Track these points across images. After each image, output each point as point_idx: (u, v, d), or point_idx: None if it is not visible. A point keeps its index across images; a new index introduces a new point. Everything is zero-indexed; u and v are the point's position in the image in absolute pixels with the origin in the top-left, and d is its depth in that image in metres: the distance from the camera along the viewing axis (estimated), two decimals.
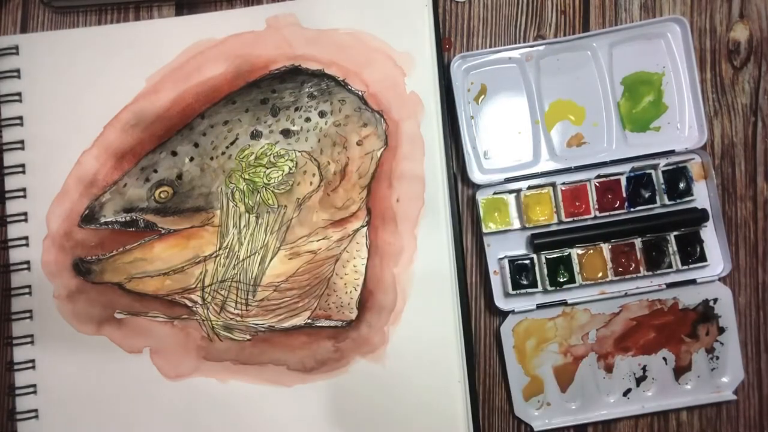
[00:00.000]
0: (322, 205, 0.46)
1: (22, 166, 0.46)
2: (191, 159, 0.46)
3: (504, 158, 0.47)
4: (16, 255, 0.45)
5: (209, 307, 0.45)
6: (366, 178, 0.46)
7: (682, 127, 0.47)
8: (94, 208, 0.45)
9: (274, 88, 0.46)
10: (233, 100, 0.46)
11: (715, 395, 0.46)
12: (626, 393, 0.46)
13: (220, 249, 0.45)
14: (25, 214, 0.45)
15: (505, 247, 0.47)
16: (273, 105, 0.46)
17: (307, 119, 0.46)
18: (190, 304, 0.45)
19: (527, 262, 0.45)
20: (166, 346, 0.45)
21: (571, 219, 0.45)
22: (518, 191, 0.46)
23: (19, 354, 0.45)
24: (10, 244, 0.45)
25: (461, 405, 0.44)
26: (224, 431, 0.45)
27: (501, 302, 0.46)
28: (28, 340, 0.45)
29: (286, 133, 0.46)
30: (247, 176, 0.46)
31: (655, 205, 0.46)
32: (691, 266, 0.45)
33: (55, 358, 0.45)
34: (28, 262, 0.45)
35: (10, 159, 0.46)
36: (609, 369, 0.46)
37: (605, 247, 0.46)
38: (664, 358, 0.47)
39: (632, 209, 0.46)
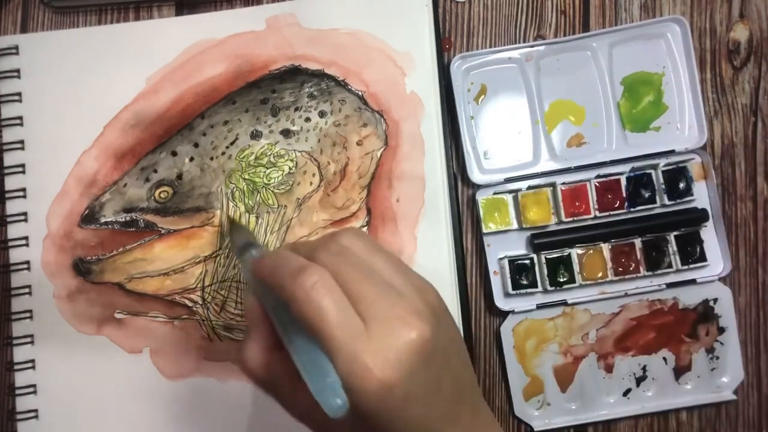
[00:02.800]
0: (322, 205, 0.46)
1: (22, 166, 0.46)
2: (191, 159, 0.46)
3: (504, 158, 0.47)
4: (16, 255, 0.45)
5: (209, 307, 0.45)
6: (366, 178, 0.46)
7: (682, 127, 0.47)
8: (94, 208, 0.45)
9: (274, 88, 0.46)
10: (233, 100, 0.46)
11: (715, 395, 0.46)
12: (626, 393, 0.46)
13: (220, 249, 0.45)
14: (25, 214, 0.45)
15: (505, 247, 0.47)
16: (273, 105, 0.46)
17: (307, 119, 0.46)
18: (190, 304, 0.45)
19: (527, 262, 0.45)
20: (166, 346, 0.45)
21: (571, 219, 0.45)
22: (518, 191, 0.46)
23: (19, 354, 0.45)
24: (10, 244, 0.45)
25: None
26: (224, 431, 0.45)
27: (501, 302, 0.46)
28: (28, 340, 0.45)
29: (286, 133, 0.46)
30: (247, 176, 0.46)
31: (655, 205, 0.46)
32: (691, 266, 0.45)
33: (55, 358, 0.45)
34: (28, 262, 0.45)
35: (10, 159, 0.46)
36: (609, 369, 0.46)
37: (605, 247, 0.46)
38: (664, 358, 0.47)
39: (632, 209, 0.46)
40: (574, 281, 0.45)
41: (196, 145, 0.46)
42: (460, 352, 0.33)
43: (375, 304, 0.29)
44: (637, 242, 0.46)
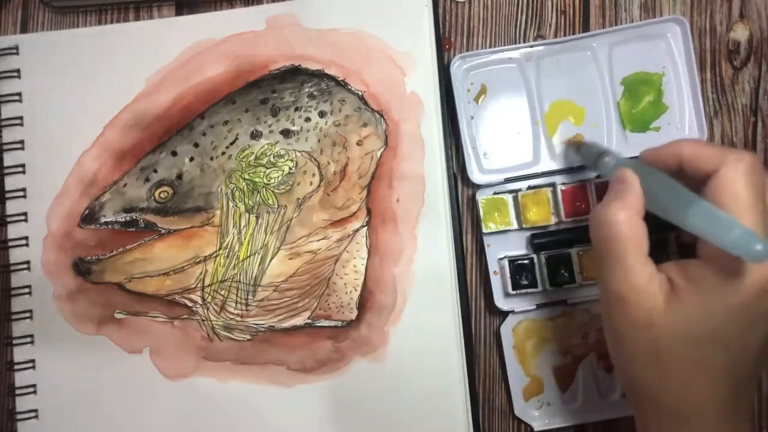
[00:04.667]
0: (322, 205, 0.46)
1: (22, 166, 0.46)
2: (191, 159, 0.46)
3: (504, 158, 0.47)
4: (16, 255, 0.45)
5: (209, 307, 0.45)
6: (366, 178, 0.46)
7: (682, 127, 0.47)
8: (94, 208, 0.45)
9: (274, 88, 0.46)
10: (233, 100, 0.46)
11: None
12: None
13: (220, 249, 0.45)
14: (25, 214, 0.45)
15: (505, 247, 0.47)
16: (273, 105, 0.46)
17: (307, 119, 0.46)
18: (190, 304, 0.45)
19: (527, 262, 0.45)
20: (166, 346, 0.45)
21: (571, 219, 0.45)
22: (518, 191, 0.46)
23: (19, 354, 0.45)
24: (10, 244, 0.45)
25: (461, 405, 0.44)
26: (224, 431, 0.45)
27: (501, 302, 0.46)
28: (28, 340, 0.45)
29: (286, 133, 0.46)
30: (247, 176, 0.46)
31: None
32: None
33: (55, 358, 0.45)
34: (28, 262, 0.45)
35: (10, 159, 0.46)
36: (609, 369, 0.46)
37: None
38: None
39: None
40: (574, 281, 0.45)
41: (196, 145, 0.46)
42: None
43: None
44: None
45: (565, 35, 0.48)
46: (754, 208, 0.31)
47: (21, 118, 0.46)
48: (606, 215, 0.34)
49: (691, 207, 0.31)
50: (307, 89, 0.46)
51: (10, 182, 0.46)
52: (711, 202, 0.32)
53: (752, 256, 0.27)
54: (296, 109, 0.46)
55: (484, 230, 0.46)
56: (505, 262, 0.46)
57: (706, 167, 0.33)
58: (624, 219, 0.33)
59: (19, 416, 0.44)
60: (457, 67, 0.46)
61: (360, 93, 0.46)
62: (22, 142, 0.46)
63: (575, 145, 0.46)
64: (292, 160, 0.46)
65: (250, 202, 0.46)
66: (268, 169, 0.46)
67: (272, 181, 0.46)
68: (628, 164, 0.37)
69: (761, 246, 0.26)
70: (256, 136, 0.46)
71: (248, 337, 0.45)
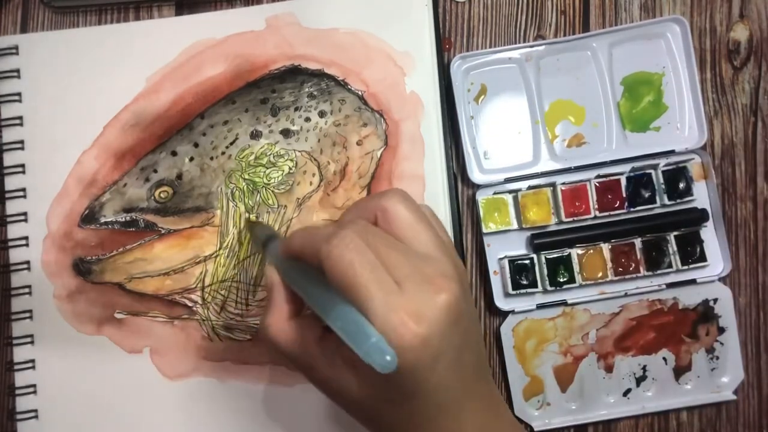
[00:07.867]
0: (322, 205, 0.46)
1: (22, 166, 0.46)
2: (191, 159, 0.46)
3: (504, 158, 0.47)
4: (16, 255, 0.45)
5: (209, 307, 0.45)
6: (366, 178, 0.46)
7: (682, 127, 0.47)
8: (94, 208, 0.45)
9: (273, 87, 0.46)
10: (233, 100, 0.46)
11: (715, 395, 0.46)
12: (626, 393, 0.46)
13: (220, 249, 0.45)
14: (25, 214, 0.45)
15: (505, 247, 0.47)
16: (273, 105, 0.46)
17: (307, 119, 0.46)
18: (190, 304, 0.45)
19: (527, 262, 0.45)
20: (166, 346, 0.45)
21: (571, 219, 0.45)
22: (518, 191, 0.46)
23: (19, 354, 0.45)
24: (10, 244, 0.45)
25: None
26: (224, 431, 0.45)
27: (501, 302, 0.46)
28: (28, 340, 0.45)
29: (286, 133, 0.46)
30: (247, 176, 0.46)
31: (655, 205, 0.46)
32: (691, 266, 0.45)
33: (55, 358, 0.44)
34: (28, 262, 0.45)
35: (10, 159, 0.46)
36: (609, 369, 0.46)
37: (605, 247, 0.46)
38: (664, 358, 0.47)
39: (632, 209, 0.46)
40: (574, 281, 0.45)
41: (196, 145, 0.46)
42: (479, 329, 0.34)
43: (404, 267, 0.30)
44: (637, 242, 0.46)
45: (565, 35, 0.48)
46: (366, 288, 0.29)
47: (21, 118, 0.46)
48: (261, 330, 0.35)
49: (333, 310, 0.30)
50: (306, 89, 0.46)
51: (10, 182, 0.46)
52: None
53: (382, 365, 0.27)
54: (296, 109, 0.46)
55: (484, 230, 0.46)
56: (505, 262, 0.46)
57: (317, 261, 0.31)
58: (274, 333, 0.34)
59: (19, 416, 0.44)
60: (457, 67, 0.46)
61: (360, 93, 0.46)
62: (22, 142, 0.46)
63: (248, 225, 0.45)
64: (292, 160, 0.46)
65: (250, 202, 0.46)
66: (268, 169, 0.46)
67: (272, 181, 0.46)
68: (282, 262, 0.35)
69: (390, 357, 0.27)
70: (255, 136, 0.46)
71: (248, 337, 0.45)
